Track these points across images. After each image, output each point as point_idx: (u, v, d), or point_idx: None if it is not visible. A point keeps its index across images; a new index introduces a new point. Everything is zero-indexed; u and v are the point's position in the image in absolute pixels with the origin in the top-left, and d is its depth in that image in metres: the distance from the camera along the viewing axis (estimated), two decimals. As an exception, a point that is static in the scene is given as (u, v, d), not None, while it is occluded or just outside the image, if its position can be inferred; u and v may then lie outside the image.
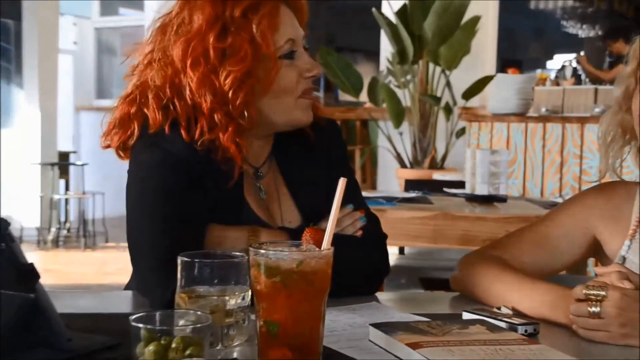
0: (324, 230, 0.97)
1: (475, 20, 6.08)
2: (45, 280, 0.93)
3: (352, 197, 1.41)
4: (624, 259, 1.36)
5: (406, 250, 5.99)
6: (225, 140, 1.31)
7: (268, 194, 1.43)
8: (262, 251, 0.91)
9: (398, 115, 6.15)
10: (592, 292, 1.09)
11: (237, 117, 1.32)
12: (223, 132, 1.31)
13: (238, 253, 1.05)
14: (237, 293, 1.03)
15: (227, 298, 1.02)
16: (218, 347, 1.01)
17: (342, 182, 0.98)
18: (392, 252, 6.14)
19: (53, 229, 7.15)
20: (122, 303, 1.34)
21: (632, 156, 1.45)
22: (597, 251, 1.44)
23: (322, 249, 0.95)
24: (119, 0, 9.94)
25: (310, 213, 1.40)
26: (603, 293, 1.08)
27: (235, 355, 0.99)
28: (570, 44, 9.71)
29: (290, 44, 1.35)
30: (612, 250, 1.39)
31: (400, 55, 6.17)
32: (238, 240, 1.30)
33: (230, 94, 1.30)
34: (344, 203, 1.36)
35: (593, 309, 1.08)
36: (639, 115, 1.35)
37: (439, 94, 6.19)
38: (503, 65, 7.52)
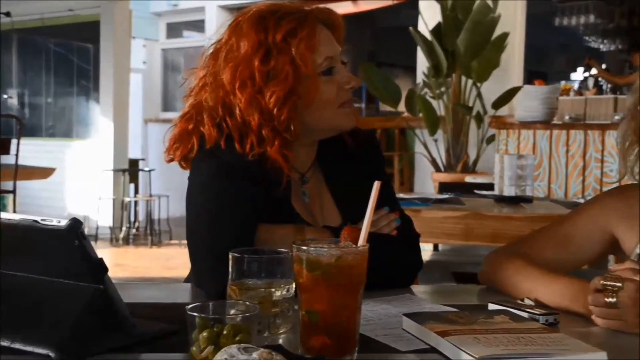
0: (360, 229, 0.96)
1: (504, 36, 6.01)
2: (116, 273, 0.95)
3: (388, 200, 1.41)
4: (639, 256, 1.33)
5: (440, 247, 5.94)
6: (273, 153, 1.32)
7: (311, 197, 1.43)
8: (304, 247, 0.92)
9: (433, 123, 6.11)
10: (609, 283, 1.06)
11: (282, 131, 1.33)
12: (270, 146, 1.32)
13: (284, 249, 1.06)
14: (282, 285, 1.03)
15: (273, 290, 1.02)
16: (265, 334, 1.01)
17: (376, 185, 0.98)
18: (427, 248, 6.09)
19: (124, 228, 7.26)
20: (182, 294, 1.36)
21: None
22: (615, 249, 1.41)
23: (358, 245, 0.95)
24: (183, 24, 10.08)
25: (349, 215, 1.40)
26: (619, 284, 1.05)
27: (280, 341, 1.00)
28: (593, 57, 9.51)
29: (328, 61, 1.35)
30: (629, 248, 1.36)
31: (435, 69, 6.14)
32: (285, 238, 1.30)
33: (275, 112, 1.31)
34: (381, 206, 1.37)
35: (610, 299, 1.05)
36: None
37: (470, 104, 6.13)
38: (530, 77, 7.40)
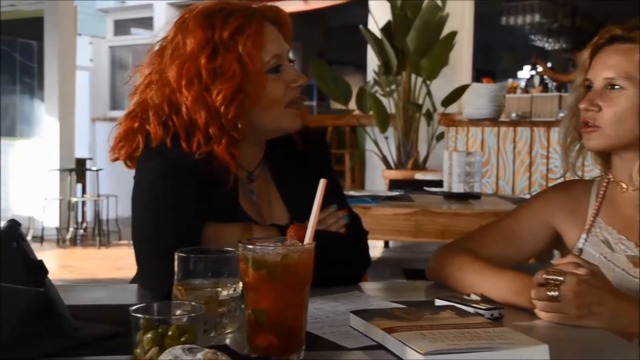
0: (306, 227, 0.96)
1: (453, 35, 6.10)
2: (63, 275, 0.93)
3: (336, 198, 1.41)
4: (581, 250, 1.36)
5: (391, 244, 5.99)
6: (220, 152, 1.31)
7: (259, 195, 1.43)
8: (250, 246, 0.91)
9: (384, 121, 6.16)
10: (551, 277, 1.08)
11: (229, 130, 1.32)
12: (218, 144, 1.31)
13: (231, 248, 1.05)
14: (229, 285, 1.02)
15: (219, 289, 1.01)
16: (212, 334, 1.00)
17: (322, 183, 0.98)
18: (378, 245, 6.14)
19: (71, 229, 7.12)
20: (127, 295, 1.33)
21: (592, 156, 1.45)
22: (558, 243, 1.44)
23: (304, 243, 0.94)
24: (131, 21, 9.93)
25: (297, 213, 1.39)
26: (561, 278, 1.07)
27: (227, 341, 0.99)
28: (539, 56, 9.73)
29: (275, 59, 1.34)
30: (571, 243, 1.39)
31: (385, 67, 6.19)
32: (232, 237, 1.29)
33: (222, 110, 1.30)
34: (329, 204, 1.37)
35: (552, 292, 1.07)
36: (584, 123, 1.36)
37: (420, 102, 6.20)
38: (478, 75, 7.53)
